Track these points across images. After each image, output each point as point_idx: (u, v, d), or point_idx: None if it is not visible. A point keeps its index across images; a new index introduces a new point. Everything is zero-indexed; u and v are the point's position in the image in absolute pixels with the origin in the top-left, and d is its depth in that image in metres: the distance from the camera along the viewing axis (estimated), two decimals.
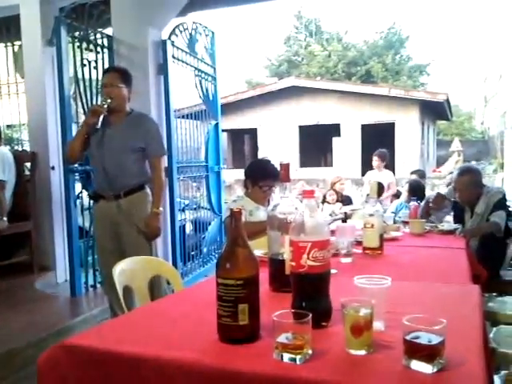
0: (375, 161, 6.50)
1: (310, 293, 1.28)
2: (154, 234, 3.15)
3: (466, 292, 1.62)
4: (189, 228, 5.27)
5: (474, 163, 15.36)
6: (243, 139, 19.29)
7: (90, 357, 1.14)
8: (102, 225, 3.17)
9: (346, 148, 15.98)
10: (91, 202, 4.20)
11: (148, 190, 3.18)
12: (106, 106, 3.01)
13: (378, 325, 1.19)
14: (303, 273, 1.26)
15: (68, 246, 4.12)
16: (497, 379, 1.68)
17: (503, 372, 1.73)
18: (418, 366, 1.01)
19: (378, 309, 1.17)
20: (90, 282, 4.27)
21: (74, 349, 1.16)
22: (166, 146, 3.52)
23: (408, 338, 1.03)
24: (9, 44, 5.88)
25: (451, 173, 5.44)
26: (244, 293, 1.13)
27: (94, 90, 4.29)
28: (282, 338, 1.05)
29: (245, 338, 1.14)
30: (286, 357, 1.04)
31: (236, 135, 18.39)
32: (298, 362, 1.03)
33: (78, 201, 4.15)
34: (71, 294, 4.07)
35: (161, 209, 3.16)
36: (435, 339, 1.02)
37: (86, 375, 1.12)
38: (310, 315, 1.07)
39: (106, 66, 4.41)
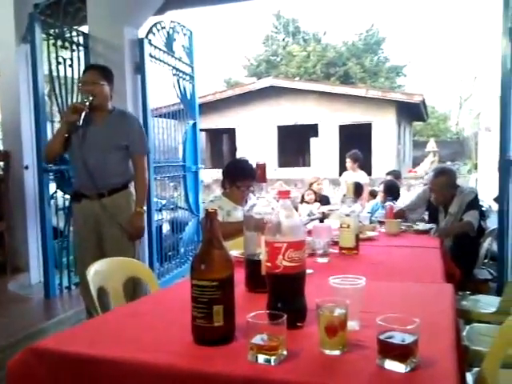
0: (348, 162, 6.57)
1: (286, 293, 1.28)
2: (137, 233, 3.12)
3: (440, 291, 1.64)
4: (166, 228, 5.23)
5: (449, 164, 15.64)
6: (221, 139, 19.26)
7: (61, 360, 1.12)
8: (83, 225, 3.10)
9: (324, 148, 16.09)
10: (67, 202, 4.16)
11: (132, 189, 3.14)
12: (87, 104, 2.96)
13: (352, 324, 1.20)
14: (279, 273, 1.26)
15: (42, 247, 4.05)
16: (469, 376, 1.70)
17: (475, 369, 1.75)
18: (391, 365, 1.02)
19: (353, 309, 1.17)
20: (65, 283, 4.20)
21: (46, 352, 1.13)
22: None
23: (382, 337, 1.04)
24: None
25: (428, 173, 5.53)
26: (219, 294, 1.12)
27: (70, 89, 4.23)
28: (257, 339, 1.05)
29: (220, 339, 1.14)
30: (261, 358, 1.04)
31: (214, 135, 18.35)
32: (272, 363, 1.03)
33: (53, 201, 4.08)
34: (45, 296, 3.99)
35: (144, 208, 3.13)
36: (408, 339, 1.03)
37: (57, 379, 1.10)
38: (285, 316, 1.07)
39: (82, 64, 4.35)
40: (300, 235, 1.30)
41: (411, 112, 17.95)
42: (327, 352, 1.09)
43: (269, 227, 1.31)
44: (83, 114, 2.94)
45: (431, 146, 15.83)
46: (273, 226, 1.30)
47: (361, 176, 6.51)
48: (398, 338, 1.04)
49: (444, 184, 3.52)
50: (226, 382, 0.98)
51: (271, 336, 1.05)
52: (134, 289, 2.77)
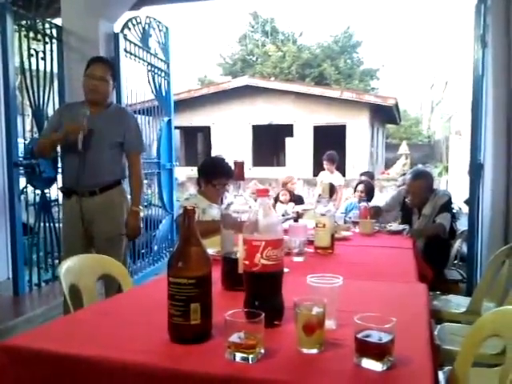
0: (325, 164, 6.60)
1: (263, 291, 1.27)
2: (134, 233, 3.07)
3: (415, 291, 1.66)
4: None
5: (420, 166, 15.87)
6: (196, 137, 19.15)
7: (32, 358, 1.08)
8: (72, 222, 3.01)
9: (299, 148, 16.16)
10: (37, 197, 4.06)
11: (124, 186, 3.08)
12: (85, 124, 2.82)
13: (329, 323, 1.20)
14: (256, 271, 1.25)
15: (11, 243, 3.94)
16: (441, 375, 1.73)
17: (447, 368, 1.78)
18: (368, 363, 1.02)
19: (330, 307, 1.18)
20: (35, 280, 4.11)
21: (17, 349, 1.10)
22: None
23: (359, 336, 1.05)
24: None
25: (403, 174, 5.59)
26: (196, 292, 1.11)
27: (42, 82, 4.14)
28: (235, 338, 1.04)
29: (197, 337, 1.12)
30: (239, 356, 1.03)
31: (189, 133, 18.23)
32: (250, 362, 1.02)
33: (23, 196, 3.98)
34: (14, 293, 3.89)
35: (140, 207, 3.07)
36: (385, 337, 1.04)
37: (31, 378, 1.07)
38: (263, 314, 1.07)
39: (55, 57, 4.26)
40: (278, 233, 1.30)
41: (384, 115, 18.19)
42: (305, 350, 1.09)
43: (247, 225, 1.30)
44: (81, 136, 2.82)
45: (403, 148, 16.07)
46: (251, 224, 1.29)
47: (337, 177, 6.56)
48: (375, 336, 1.04)
49: (422, 187, 3.56)
50: (203, 380, 0.97)
51: (249, 334, 1.04)
52: (106, 286, 2.73)
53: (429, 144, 26.78)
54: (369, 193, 5.10)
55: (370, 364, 1.02)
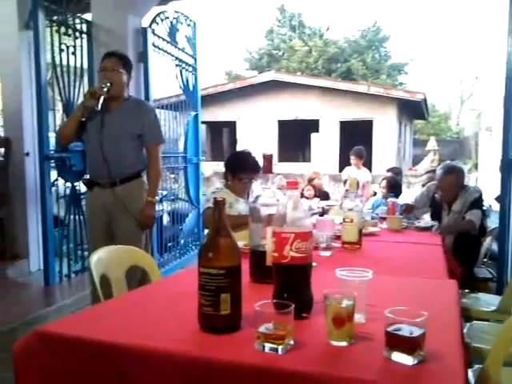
0: (353, 159, 6.52)
1: (292, 284, 1.27)
2: (147, 223, 3.11)
3: (445, 287, 1.64)
4: (166, 219, 5.23)
5: (449, 162, 15.57)
6: (221, 132, 19.22)
7: (67, 344, 1.11)
8: (95, 212, 3.10)
9: (324, 144, 16.06)
10: (68, 190, 4.15)
11: (144, 178, 3.13)
12: (105, 90, 2.92)
13: (358, 317, 1.19)
14: (286, 264, 1.26)
15: (43, 235, 4.03)
16: (470, 373, 1.71)
17: (476, 366, 1.75)
18: (398, 357, 1.01)
19: (359, 301, 1.17)
20: (65, 271, 4.20)
21: (51, 336, 1.13)
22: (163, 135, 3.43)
23: (390, 329, 1.04)
24: None
25: (428, 172, 5.50)
26: (226, 282, 1.12)
27: (72, 77, 4.21)
28: (264, 328, 1.04)
29: (226, 327, 1.13)
30: (268, 347, 1.03)
31: (214, 128, 18.30)
32: (279, 352, 1.02)
33: (54, 188, 4.06)
34: (45, 283, 3.99)
35: (156, 198, 3.12)
36: (416, 331, 1.03)
37: (63, 363, 1.09)
38: (293, 305, 1.07)
39: (85, 52, 4.33)
40: (307, 226, 1.30)
41: (412, 110, 17.93)
42: (334, 343, 1.09)
43: (276, 218, 1.31)
44: (101, 100, 2.91)
45: (432, 144, 15.80)
46: (280, 217, 1.29)
47: (364, 173, 6.49)
48: (406, 330, 1.03)
49: (453, 183, 3.49)
50: (233, 369, 0.98)
51: (278, 325, 1.04)
52: (135, 278, 2.77)
53: (458, 140, 26.32)
54: (393, 188, 5.04)
55: (401, 358, 1.01)
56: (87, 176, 3.29)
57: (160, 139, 3.21)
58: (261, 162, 1.80)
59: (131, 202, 3.03)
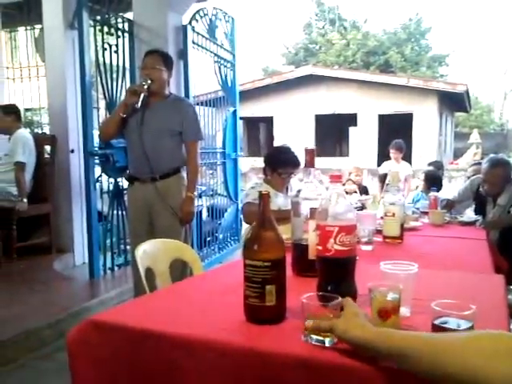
0: (393, 153, 6.42)
1: (336, 276, 1.28)
2: (187, 218, 3.18)
3: (491, 281, 1.61)
4: (205, 214, 5.30)
5: (493, 155, 15.10)
6: (258, 127, 19.24)
7: (117, 332, 1.15)
8: (135, 207, 3.20)
9: (363, 138, 15.87)
10: (111, 186, 4.26)
11: (183, 174, 3.20)
12: (146, 87, 3.00)
13: (404, 310, 1.19)
14: (330, 257, 1.26)
15: (87, 229, 4.16)
16: None
17: None
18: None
19: (404, 295, 1.16)
20: (108, 264, 4.32)
21: (102, 324, 1.17)
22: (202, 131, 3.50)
23: (436, 322, 1.03)
24: (29, 27, 5.93)
25: (473, 164, 5.33)
26: (271, 274, 1.14)
27: (115, 75, 4.31)
28: (311, 320, 1.05)
29: (272, 318, 1.15)
30: (314, 339, 1.04)
31: (251, 123, 18.34)
32: (326, 345, 1.03)
33: (97, 184, 4.18)
34: (89, 276, 4.12)
35: (195, 193, 3.18)
36: (464, 325, 1.01)
37: (115, 350, 1.14)
38: (339, 298, 1.07)
39: (127, 50, 4.43)
40: (351, 220, 1.30)
41: (454, 102, 17.48)
42: None
43: (320, 211, 1.31)
44: (142, 97, 2.98)
45: (474, 137, 15.38)
46: (324, 210, 1.30)
47: (404, 166, 6.38)
48: (453, 323, 1.02)
49: (499, 176, 3.40)
50: (280, 360, 0.99)
51: (325, 317, 1.05)
52: (177, 270, 2.83)
53: (501, 133, 25.49)
54: (432, 183, 4.93)
55: None
56: (129, 171, 3.38)
57: (199, 136, 3.26)
58: (302, 157, 1.80)
59: (171, 197, 3.10)
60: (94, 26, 4.23)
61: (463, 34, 56.80)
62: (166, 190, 3.10)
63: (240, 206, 5.08)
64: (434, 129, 15.35)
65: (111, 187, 4.29)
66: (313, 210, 1.46)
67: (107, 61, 4.23)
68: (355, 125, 16.30)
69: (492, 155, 3.93)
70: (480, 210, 3.56)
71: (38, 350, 2.95)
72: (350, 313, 1.03)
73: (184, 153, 3.19)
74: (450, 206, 3.52)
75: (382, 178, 6.14)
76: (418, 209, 3.59)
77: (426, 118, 15.10)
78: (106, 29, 4.22)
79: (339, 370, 0.97)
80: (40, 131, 6.25)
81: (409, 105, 15.09)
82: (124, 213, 4.39)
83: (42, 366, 2.79)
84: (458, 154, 18.68)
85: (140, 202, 3.14)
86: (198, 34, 4.76)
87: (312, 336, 1.04)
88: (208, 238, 5.11)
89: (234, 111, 5.59)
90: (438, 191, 4.11)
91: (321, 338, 1.04)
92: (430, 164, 6.39)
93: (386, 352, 0.91)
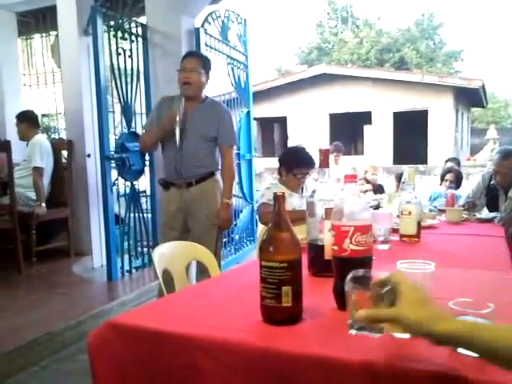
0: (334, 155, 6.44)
1: None
2: (225, 224, 3.17)
3: (510, 279, 1.59)
4: None
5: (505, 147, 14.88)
6: (272, 127, 19.25)
7: (137, 334, 1.17)
8: (171, 213, 3.16)
9: (378, 136, 15.77)
10: (127, 189, 4.31)
11: (218, 177, 3.19)
12: (181, 106, 2.98)
13: None
14: (346, 257, 1.26)
15: (105, 232, 4.21)
16: None
17: None
18: (465, 349, 1.00)
19: None
20: (126, 267, 4.36)
21: (122, 326, 1.19)
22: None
23: None
24: (45, 34, 6.02)
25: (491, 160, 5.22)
26: (287, 275, 1.14)
27: (129, 79, 4.35)
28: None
29: (288, 319, 1.15)
30: (368, 331, 1.05)
31: (265, 123, 18.36)
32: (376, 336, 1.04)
33: (114, 188, 4.23)
34: (108, 278, 4.17)
35: (232, 199, 3.17)
36: None
37: (135, 352, 1.15)
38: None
39: (141, 54, 4.47)
40: (367, 219, 1.29)
41: (470, 98, 17.30)
42: (397, 335, 1.09)
43: (335, 211, 1.31)
44: (178, 118, 2.97)
45: (491, 133, 15.17)
46: (339, 210, 1.30)
47: (343, 167, 6.36)
48: None
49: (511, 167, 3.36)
50: (297, 360, 1.00)
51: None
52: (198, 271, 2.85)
53: None
54: (458, 181, 4.86)
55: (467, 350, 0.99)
56: (159, 176, 3.37)
57: (234, 141, 3.26)
58: (317, 157, 1.80)
59: (205, 201, 3.10)
60: (108, 32, 4.28)
61: (478, 28, 56.11)
62: (202, 194, 3.09)
63: (255, 206, 5.09)
64: (449, 125, 15.20)
65: (128, 190, 4.33)
66: (328, 210, 1.46)
67: (121, 65, 4.27)
68: (370, 123, 16.21)
69: (503, 147, 3.87)
70: (492, 203, 3.51)
71: (61, 351, 3.00)
72: (412, 299, 0.90)
73: (218, 157, 3.19)
74: (472, 207, 3.48)
75: (399, 177, 6.08)
76: (435, 207, 3.56)
77: (442, 114, 14.96)
78: (119, 34, 4.27)
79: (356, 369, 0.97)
80: (57, 136, 6.34)
81: (424, 101, 14.97)
82: (141, 215, 4.43)
83: (65, 368, 2.83)
84: (474, 150, 18.46)
85: (176, 207, 3.12)
86: (210, 36, 4.79)
87: (363, 328, 1.05)
88: (224, 239, 5.12)
89: (248, 112, 5.60)
90: (457, 189, 4.06)
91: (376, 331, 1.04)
92: (448, 160, 6.30)
93: (487, 346, 0.84)
